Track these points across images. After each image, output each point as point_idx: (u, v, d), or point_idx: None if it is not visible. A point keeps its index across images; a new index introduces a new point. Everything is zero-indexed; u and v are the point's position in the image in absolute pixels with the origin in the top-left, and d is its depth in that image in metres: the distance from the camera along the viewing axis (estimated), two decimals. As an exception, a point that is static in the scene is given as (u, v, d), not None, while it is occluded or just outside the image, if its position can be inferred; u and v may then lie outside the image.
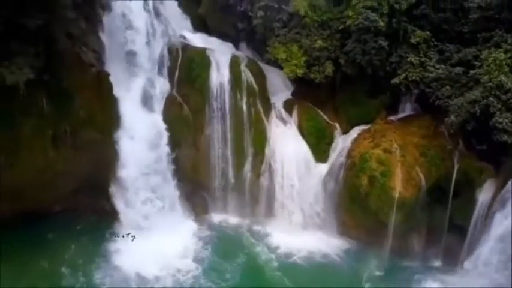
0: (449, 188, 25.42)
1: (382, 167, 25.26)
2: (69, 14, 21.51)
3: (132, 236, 26.87)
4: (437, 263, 26.36)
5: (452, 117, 23.69)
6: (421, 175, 25.14)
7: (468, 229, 24.89)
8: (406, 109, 29.16)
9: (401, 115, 28.99)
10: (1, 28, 20.59)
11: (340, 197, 27.25)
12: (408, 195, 24.86)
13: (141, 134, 27.42)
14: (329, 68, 27.62)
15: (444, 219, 25.74)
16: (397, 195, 24.60)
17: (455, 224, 25.61)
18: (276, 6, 27.86)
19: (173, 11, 31.30)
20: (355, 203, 26.47)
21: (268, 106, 29.30)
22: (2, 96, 22.81)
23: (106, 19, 27.32)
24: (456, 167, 25.42)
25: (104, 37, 27.96)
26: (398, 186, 24.69)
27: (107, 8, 26.73)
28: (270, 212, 29.02)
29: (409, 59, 26.20)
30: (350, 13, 26.60)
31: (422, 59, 26.12)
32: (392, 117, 28.74)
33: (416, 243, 26.42)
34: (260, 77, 29.07)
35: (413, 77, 25.98)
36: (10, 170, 24.09)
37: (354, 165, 26.26)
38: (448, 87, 24.74)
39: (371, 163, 25.46)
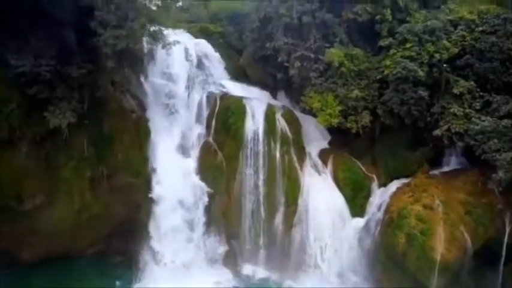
0: (500, 251, 22.91)
1: (421, 225, 23.41)
2: (110, 63, 22.61)
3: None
4: (487, 335, 23.44)
5: (500, 174, 21.85)
6: (467, 235, 23.02)
7: (524, 299, 22.15)
8: (451, 162, 27.46)
9: (445, 169, 27.33)
10: (48, 76, 22.09)
11: (376, 255, 25.45)
12: (452, 258, 22.67)
13: (175, 180, 27.64)
14: (366, 118, 26.96)
15: (495, 286, 23.08)
16: (438, 257, 22.50)
17: (508, 292, 22.88)
18: (312, 56, 27.91)
19: (214, 61, 32.47)
20: (392, 263, 24.53)
21: (302, 155, 28.72)
22: (46, 139, 24.23)
23: (149, 67, 28.84)
24: (508, 229, 23.17)
25: (146, 84, 29.46)
26: (440, 247, 22.65)
27: (150, 56, 28.18)
28: (301, 266, 27.53)
29: (451, 110, 24.98)
30: (388, 63, 26.15)
31: (467, 110, 24.79)
32: (435, 171, 27.11)
33: (462, 312, 23.76)
34: (295, 125, 28.79)
35: (457, 129, 24.63)
36: (48, 210, 24.92)
37: (392, 221, 24.61)
38: (495, 141, 23.00)
39: (409, 220, 23.71)
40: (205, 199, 27.88)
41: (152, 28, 24.21)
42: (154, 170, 27.51)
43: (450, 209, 23.90)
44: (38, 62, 21.60)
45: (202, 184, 27.96)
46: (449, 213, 23.72)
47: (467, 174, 25.92)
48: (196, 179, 28.12)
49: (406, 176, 27.21)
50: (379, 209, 26.43)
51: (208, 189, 27.89)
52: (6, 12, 21.53)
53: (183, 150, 29.12)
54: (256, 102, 29.12)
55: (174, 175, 27.77)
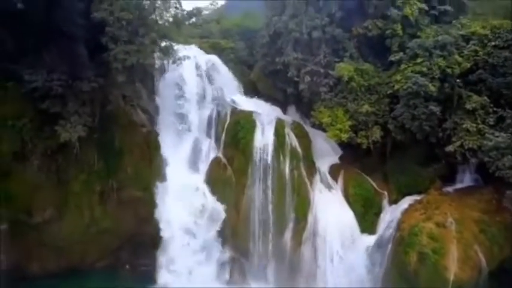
0: (516, 272, 22.15)
1: (434, 243, 22.73)
2: (120, 78, 22.93)
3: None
4: None
5: (515, 191, 21.19)
6: (481, 255, 22.25)
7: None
8: (465, 179, 26.84)
9: (458, 186, 26.69)
10: (60, 90, 22.48)
11: (387, 272, 24.72)
12: (465, 278, 21.93)
13: (184, 194, 27.56)
14: (377, 133, 26.65)
15: (512, 309, 22.25)
16: (451, 277, 21.78)
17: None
18: (322, 71, 27.87)
19: (225, 76, 32.54)
20: (403, 281, 23.73)
21: (312, 170, 28.42)
22: (57, 152, 24.55)
23: (160, 82, 29.13)
24: (524, 249, 22.37)
25: (157, 99, 29.73)
26: (453, 267, 21.92)
27: (161, 72, 28.51)
28: (310, 283, 26.89)
29: (464, 126, 24.48)
30: (398, 77, 25.88)
31: (480, 126, 24.25)
32: (448, 188, 26.47)
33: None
34: (305, 140, 28.60)
35: (470, 145, 24.08)
36: (58, 224, 25.06)
37: (403, 239, 23.95)
38: (509, 157, 22.33)
39: (421, 238, 23.05)
40: (214, 214, 27.58)
41: (163, 43, 24.52)
42: (162, 184, 27.40)
43: (464, 228, 23.20)
44: (50, 76, 22.14)
45: (211, 198, 27.73)
46: (463, 232, 23.02)
47: (481, 191, 25.29)
48: (205, 194, 27.80)
49: (418, 193, 26.65)
50: (390, 226, 25.80)
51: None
52: (20, 29, 22.13)
53: (193, 164, 29.09)
54: (266, 116, 29.03)
55: (183, 189, 27.52)
